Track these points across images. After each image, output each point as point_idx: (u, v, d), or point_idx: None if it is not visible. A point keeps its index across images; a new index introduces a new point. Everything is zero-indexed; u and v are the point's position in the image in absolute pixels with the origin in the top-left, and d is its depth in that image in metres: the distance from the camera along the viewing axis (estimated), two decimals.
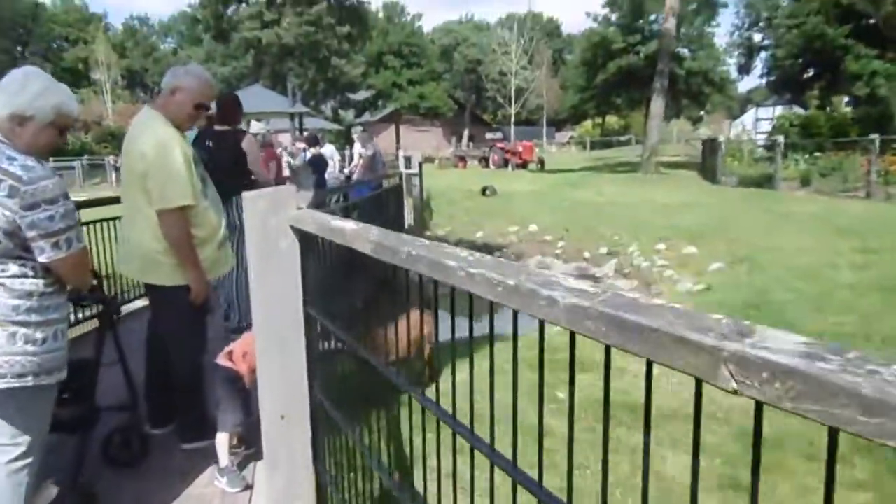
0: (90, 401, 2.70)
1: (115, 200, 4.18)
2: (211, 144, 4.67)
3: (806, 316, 6.18)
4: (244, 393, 2.71)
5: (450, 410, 1.13)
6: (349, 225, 1.47)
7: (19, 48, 49.77)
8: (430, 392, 1.26)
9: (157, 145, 2.81)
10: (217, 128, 4.82)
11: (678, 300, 7.81)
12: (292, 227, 1.80)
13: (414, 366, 4.61)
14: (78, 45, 52.39)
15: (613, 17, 41.60)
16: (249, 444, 2.90)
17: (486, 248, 12.86)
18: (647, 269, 10.34)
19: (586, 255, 11.90)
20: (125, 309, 4.90)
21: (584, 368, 5.01)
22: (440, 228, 13.89)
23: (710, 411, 4.23)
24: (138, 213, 2.89)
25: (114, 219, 5.19)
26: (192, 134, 5.03)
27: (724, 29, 60.08)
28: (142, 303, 4.83)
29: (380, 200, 10.20)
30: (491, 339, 1.03)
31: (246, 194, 1.84)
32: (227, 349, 2.81)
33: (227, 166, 4.42)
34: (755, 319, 0.85)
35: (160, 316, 3.12)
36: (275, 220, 1.79)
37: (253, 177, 4.72)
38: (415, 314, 4.46)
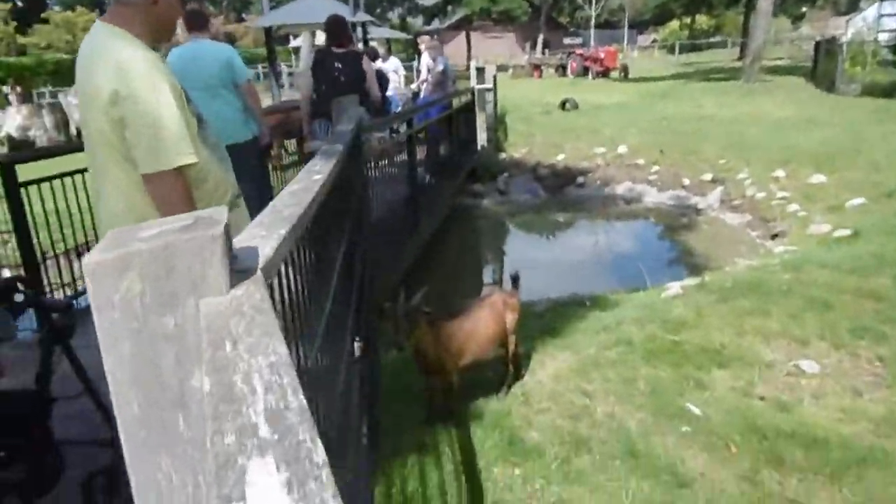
0: (46, 447, 1.89)
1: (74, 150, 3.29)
2: (340, 66, 5.16)
3: None
4: None
5: None
6: None
7: None
8: None
9: (134, 77, 1.92)
10: (335, 50, 5.22)
11: (814, 247, 6.41)
12: None
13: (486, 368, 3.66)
14: None
15: None
16: None
17: (568, 174, 11.54)
18: (762, 200, 8.79)
19: (685, 181, 10.37)
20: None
21: (715, 360, 3.95)
22: (516, 150, 12.56)
23: None
24: (105, 178, 2.06)
25: (65, 175, 4.44)
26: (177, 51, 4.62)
27: None
28: None
29: (449, 123, 9.05)
30: None
31: None
32: None
33: (353, 89, 4.93)
34: None
35: None
36: None
37: (370, 97, 5.29)
38: (497, 296, 3.50)
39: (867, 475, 2.71)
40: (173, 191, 1.96)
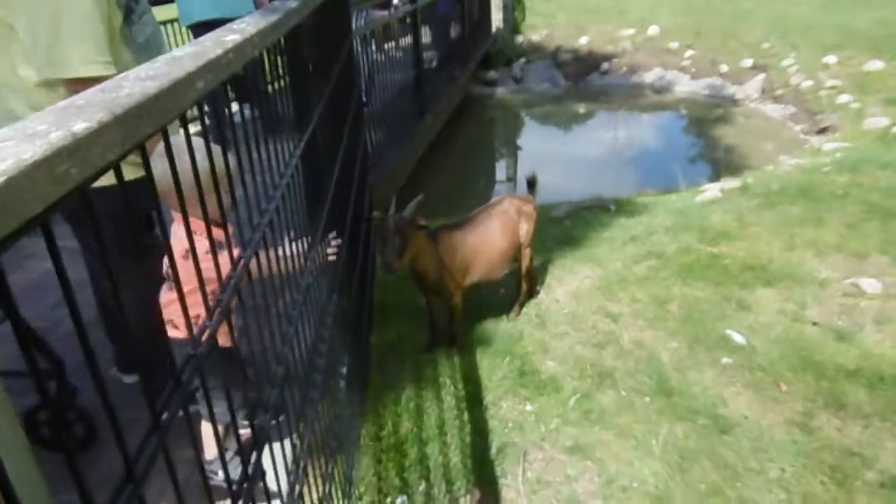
0: None
1: None
2: None
3: None
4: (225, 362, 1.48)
5: None
6: None
7: None
8: None
9: None
10: None
11: (870, 145, 5.78)
12: None
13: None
14: None
15: None
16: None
17: (592, 59, 10.64)
18: (809, 90, 8.01)
19: (723, 68, 9.51)
20: None
21: (760, 277, 3.44)
22: (534, 32, 11.54)
23: None
24: (3, 87, 1.81)
25: None
26: None
27: None
28: None
29: (460, 0, 8.14)
30: None
31: None
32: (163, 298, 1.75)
33: None
34: None
35: (86, 244, 2.13)
36: None
37: None
38: (509, 203, 3.03)
39: None
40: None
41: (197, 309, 0.77)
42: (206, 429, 1.96)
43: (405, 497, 2.12)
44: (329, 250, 1.80)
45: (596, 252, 3.80)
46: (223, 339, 0.87)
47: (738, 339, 2.85)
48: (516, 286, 3.21)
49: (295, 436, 1.26)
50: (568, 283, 3.45)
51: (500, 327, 3.07)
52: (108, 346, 2.43)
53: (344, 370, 2.01)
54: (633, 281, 3.40)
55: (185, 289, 0.70)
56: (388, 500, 2.11)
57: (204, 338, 0.72)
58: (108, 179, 0.54)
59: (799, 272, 3.34)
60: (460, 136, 8.30)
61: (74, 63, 1.68)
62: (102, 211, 1.76)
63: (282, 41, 1.31)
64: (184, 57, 0.81)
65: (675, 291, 3.26)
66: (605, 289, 3.35)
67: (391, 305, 3.32)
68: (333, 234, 1.86)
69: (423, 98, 6.11)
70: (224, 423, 1.94)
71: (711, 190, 4.66)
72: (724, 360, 2.73)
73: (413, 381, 2.70)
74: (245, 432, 2.02)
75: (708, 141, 7.84)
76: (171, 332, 1.68)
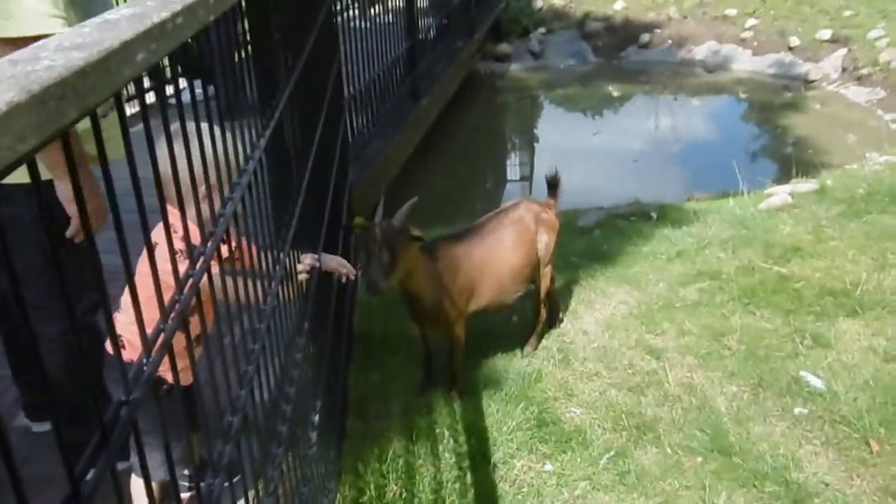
0: None
1: None
2: None
3: None
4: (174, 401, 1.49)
5: None
6: None
7: None
8: None
9: None
10: None
11: None
12: None
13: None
14: None
15: None
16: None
17: (629, 30, 10.75)
18: None
19: (793, 41, 9.62)
20: None
21: (843, 305, 3.36)
22: None
23: None
24: None
25: None
26: None
27: None
28: None
29: None
30: None
31: None
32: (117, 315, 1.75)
33: None
34: None
35: None
36: None
37: None
38: (526, 208, 3.05)
39: None
40: None
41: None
42: (135, 487, 1.95)
43: None
44: (300, 267, 1.80)
45: (633, 271, 3.82)
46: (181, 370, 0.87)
47: (815, 382, 2.86)
48: (533, 313, 3.22)
49: (253, 502, 1.25)
50: (598, 310, 3.47)
51: (512, 365, 3.08)
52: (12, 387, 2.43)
53: (316, 418, 2.00)
54: (680, 308, 3.42)
55: (143, 297, 0.71)
56: None
57: (155, 347, 0.73)
58: (23, 176, 0.54)
59: (892, 299, 3.36)
60: (464, 124, 8.35)
61: (26, 16, 1.71)
62: (16, 215, 1.77)
63: (242, 3, 1.32)
64: (119, 21, 0.80)
65: (735, 322, 3.28)
66: (646, 317, 3.37)
67: (375, 336, 3.33)
68: (305, 246, 1.87)
69: (417, 76, 6.15)
70: (160, 480, 1.92)
71: (779, 194, 4.68)
72: (798, 409, 2.74)
73: (402, 431, 2.70)
74: (188, 496, 2.02)
75: (774, 132, 7.89)
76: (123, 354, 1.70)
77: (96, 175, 1.78)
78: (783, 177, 5.83)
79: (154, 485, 1.92)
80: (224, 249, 1.28)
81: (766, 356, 3.03)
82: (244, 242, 1.44)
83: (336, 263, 2.12)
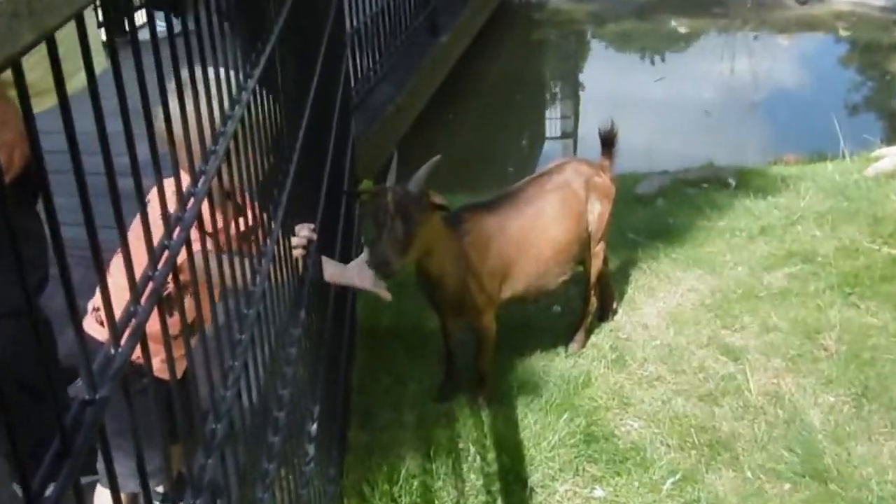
0: None
1: None
2: None
3: None
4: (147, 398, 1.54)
5: None
6: None
7: None
8: None
9: None
10: None
11: None
12: None
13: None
14: None
15: None
16: None
17: None
18: None
19: None
20: None
21: None
22: None
23: None
24: None
25: None
26: None
27: None
28: None
29: None
30: None
31: None
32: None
33: None
34: None
35: None
36: None
37: None
38: (574, 170, 3.07)
39: None
40: None
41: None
42: (100, 499, 2.06)
43: None
44: (294, 241, 1.80)
45: (706, 251, 3.84)
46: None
47: None
48: (580, 302, 3.25)
49: None
50: (662, 299, 3.50)
51: (554, 366, 3.12)
52: None
53: (313, 428, 2.01)
54: (764, 297, 3.44)
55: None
56: None
57: (127, 331, 0.72)
58: None
59: None
60: (493, 67, 8.38)
61: None
62: None
63: None
64: None
65: (833, 316, 3.29)
66: (721, 309, 3.39)
67: (384, 328, 3.38)
68: (300, 216, 1.87)
69: (435, 5, 6.16)
70: (129, 493, 1.98)
71: (890, 157, 4.68)
72: None
73: (417, 446, 2.74)
74: None
75: (882, 80, 7.87)
76: (96, 332, 1.77)
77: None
78: (894, 136, 5.79)
79: (123, 496, 1.95)
80: (241, 223, 1.29)
81: (871, 359, 3.04)
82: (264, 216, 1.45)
83: (370, 283, 2.25)
